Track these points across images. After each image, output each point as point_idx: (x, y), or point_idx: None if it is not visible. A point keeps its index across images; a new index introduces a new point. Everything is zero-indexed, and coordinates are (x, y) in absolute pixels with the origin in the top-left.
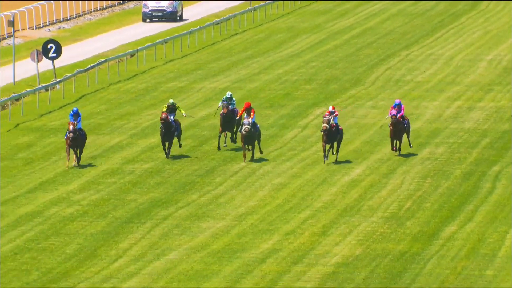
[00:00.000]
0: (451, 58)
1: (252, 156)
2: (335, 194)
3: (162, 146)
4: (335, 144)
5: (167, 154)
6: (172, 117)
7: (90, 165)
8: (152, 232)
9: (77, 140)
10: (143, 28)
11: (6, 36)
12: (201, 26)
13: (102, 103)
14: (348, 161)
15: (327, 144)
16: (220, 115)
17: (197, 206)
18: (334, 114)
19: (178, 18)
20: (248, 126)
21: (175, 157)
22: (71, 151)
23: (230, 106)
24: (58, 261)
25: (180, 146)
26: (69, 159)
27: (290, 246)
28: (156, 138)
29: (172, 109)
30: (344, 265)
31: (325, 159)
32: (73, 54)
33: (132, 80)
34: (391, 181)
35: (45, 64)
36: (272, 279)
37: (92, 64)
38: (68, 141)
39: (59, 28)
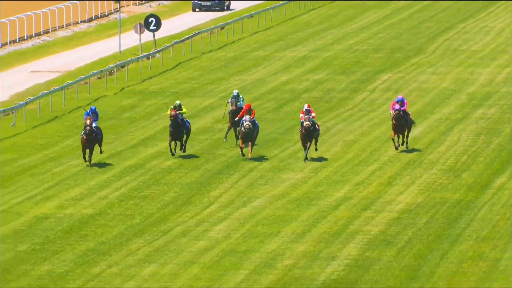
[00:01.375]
0: (502, 30)
1: (250, 154)
2: (399, 149)
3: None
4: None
5: (172, 153)
6: (181, 116)
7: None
8: (239, 182)
9: (93, 141)
10: (233, 4)
11: (112, 11)
12: (282, 2)
13: (196, 70)
14: (411, 121)
15: (304, 143)
16: (229, 112)
17: (278, 160)
18: (311, 114)
19: (225, 8)
20: (249, 123)
21: (257, 120)
22: (87, 151)
23: (238, 103)
24: (157, 207)
25: (182, 149)
26: (85, 160)
27: (360, 195)
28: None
29: (178, 109)
30: (407, 211)
31: (306, 160)
32: (171, 27)
33: (222, 49)
34: (449, 138)
35: (147, 36)
36: (344, 223)
37: (187, 36)
38: (84, 140)
39: (159, 4)
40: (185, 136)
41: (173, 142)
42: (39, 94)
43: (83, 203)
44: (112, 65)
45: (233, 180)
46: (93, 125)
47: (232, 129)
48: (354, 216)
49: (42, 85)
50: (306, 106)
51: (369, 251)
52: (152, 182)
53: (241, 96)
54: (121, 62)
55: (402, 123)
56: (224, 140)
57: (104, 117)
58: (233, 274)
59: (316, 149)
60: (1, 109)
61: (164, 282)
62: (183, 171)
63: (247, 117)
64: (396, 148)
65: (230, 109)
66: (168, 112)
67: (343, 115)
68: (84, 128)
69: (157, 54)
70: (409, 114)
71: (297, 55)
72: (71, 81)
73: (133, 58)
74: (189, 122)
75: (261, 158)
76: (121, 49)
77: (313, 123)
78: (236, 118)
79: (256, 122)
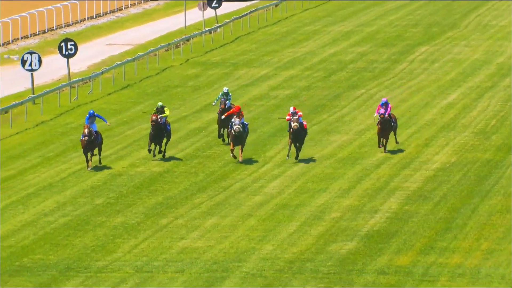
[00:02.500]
0: None
1: (241, 155)
2: (435, 114)
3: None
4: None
5: (154, 155)
6: (163, 120)
7: (243, 91)
8: (246, 180)
9: (92, 144)
10: None
11: None
12: None
13: (253, 43)
14: (446, 88)
15: (293, 143)
16: (218, 112)
17: (326, 123)
18: (297, 115)
19: None
20: (239, 126)
21: (307, 88)
22: (89, 154)
23: (227, 102)
24: (219, 165)
25: (161, 152)
26: (88, 165)
27: (400, 155)
28: (296, 69)
29: (160, 111)
30: (442, 169)
31: (288, 157)
32: (231, 4)
33: (276, 25)
34: (480, 104)
35: (209, 13)
36: (385, 180)
37: (245, 12)
38: (83, 144)
39: None
40: (165, 139)
41: (152, 145)
42: (114, 65)
43: (153, 162)
44: (178, 38)
45: (286, 142)
46: (94, 127)
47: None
48: (394, 174)
49: (116, 57)
50: (292, 109)
51: (407, 205)
52: (214, 143)
53: (230, 94)
54: (186, 36)
55: (387, 127)
56: (221, 139)
57: (171, 85)
58: (286, 226)
59: (298, 154)
60: (80, 78)
61: (224, 232)
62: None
63: (236, 120)
64: (381, 146)
65: (219, 108)
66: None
67: (384, 83)
68: (82, 134)
69: (218, 29)
70: (395, 118)
71: (343, 29)
72: (141, 53)
73: (197, 32)
74: (169, 126)
75: (311, 123)
76: (186, 24)
77: (301, 123)
78: (223, 117)
79: (246, 123)
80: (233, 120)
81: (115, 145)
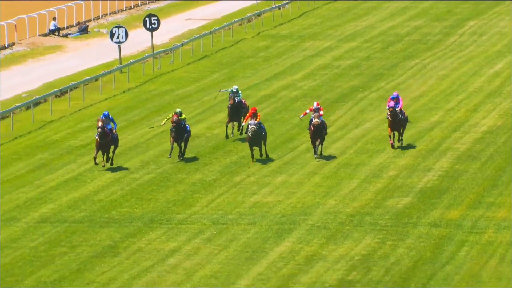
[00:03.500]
0: None
1: (261, 154)
2: (483, 82)
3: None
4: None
5: (170, 153)
6: (183, 122)
7: (309, 61)
8: (352, 109)
9: (108, 145)
10: None
11: None
12: None
13: (318, 18)
14: (493, 59)
15: (314, 141)
16: (228, 106)
17: (384, 90)
18: (319, 111)
19: None
20: (255, 126)
21: (367, 58)
22: (100, 154)
23: (237, 98)
24: (286, 129)
25: (181, 155)
26: (96, 163)
27: (450, 119)
28: (357, 41)
29: (179, 115)
30: (489, 132)
31: (316, 155)
32: None
33: (339, 1)
34: None
35: None
36: (438, 142)
37: None
38: (98, 142)
39: None
40: (185, 141)
41: (175, 144)
42: (192, 37)
43: (228, 125)
44: (250, 14)
45: (347, 107)
46: (108, 127)
47: (230, 124)
48: (445, 136)
49: (194, 30)
50: (315, 104)
51: (458, 164)
52: (282, 109)
53: (240, 92)
54: (257, 11)
55: (397, 120)
56: (232, 135)
57: (244, 56)
58: (347, 183)
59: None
60: (162, 49)
61: (292, 188)
62: (307, 99)
63: (252, 121)
64: (392, 146)
65: (228, 103)
66: (169, 116)
67: (437, 54)
68: (97, 130)
69: (286, 5)
70: (404, 112)
71: (400, 5)
72: (217, 27)
73: (267, 8)
74: (189, 127)
75: (370, 90)
76: (258, 1)
77: (322, 121)
78: (243, 123)
79: (263, 125)
80: (249, 122)
81: (193, 110)
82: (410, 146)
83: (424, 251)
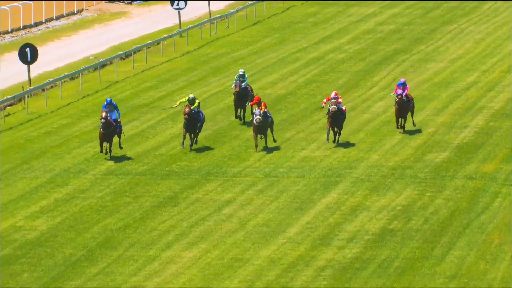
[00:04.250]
0: None
1: (266, 145)
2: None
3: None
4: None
5: (183, 145)
6: (196, 110)
7: (354, 26)
8: (394, 70)
9: (111, 134)
10: None
11: None
12: None
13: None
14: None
15: (332, 128)
16: (234, 93)
17: (424, 53)
18: (338, 99)
19: None
20: (260, 117)
21: (408, 23)
22: (105, 145)
23: (243, 84)
24: (333, 89)
25: (194, 143)
26: (102, 151)
27: (485, 80)
28: (398, 8)
29: (191, 102)
30: None
31: (327, 142)
32: None
33: None
34: None
35: None
36: (473, 101)
37: None
38: (101, 133)
39: None
40: (197, 130)
41: (187, 134)
42: (247, 4)
43: (279, 85)
44: None
45: (390, 69)
46: (112, 117)
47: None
48: (481, 95)
49: None
50: (333, 94)
51: (492, 121)
52: (329, 70)
53: (246, 76)
54: None
55: (405, 107)
56: (238, 119)
57: (294, 21)
58: (390, 139)
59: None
60: (218, 15)
61: (338, 144)
62: (352, 61)
63: (257, 111)
64: (398, 128)
65: (234, 91)
66: (183, 100)
67: (474, 19)
68: (100, 121)
69: None
70: (411, 97)
71: None
72: None
73: None
74: (203, 114)
75: (411, 53)
76: None
77: (339, 108)
78: (253, 110)
79: (269, 114)
80: (253, 111)
81: (247, 71)
82: (448, 105)
83: (461, 202)
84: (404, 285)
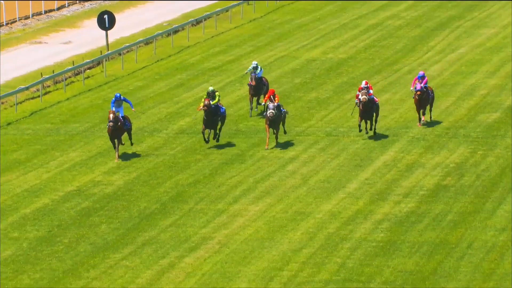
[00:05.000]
0: None
1: (276, 141)
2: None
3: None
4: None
5: (206, 140)
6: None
7: (393, 7)
8: (449, 36)
9: (119, 131)
10: None
11: None
12: None
13: None
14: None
15: (363, 120)
16: (248, 85)
17: (477, 20)
18: (368, 89)
19: None
20: (273, 111)
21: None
22: (116, 142)
23: (258, 73)
24: (391, 53)
25: (216, 137)
26: (116, 155)
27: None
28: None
29: (212, 96)
30: None
31: (360, 131)
32: None
33: None
34: None
35: None
36: (490, 95)
37: None
38: (109, 131)
39: None
40: (219, 124)
41: (207, 130)
42: None
43: (340, 50)
44: None
45: (445, 34)
46: (120, 114)
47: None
48: (503, 85)
49: None
50: (363, 83)
51: None
52: (388, 36)
53: (259, 66)
54: None
55: (424, 97)
56: (251, 110)
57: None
58: (444, 100)
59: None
60: None
61: (395, 105)
62: (409, 28)
63: (270, 105)
64: (420, 121)
65: (249, 83)
66: (202, 102)
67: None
68: (108, 119)
69: None
70: (430, 89)
71: None
72: None
73: None
74: (224, 109)
75: (465, 19)
76: None
77: (371, 99)
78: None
79: (282, 107)
80: (267, 103)
81: (310, 37)
82: (499, 68)
83: (511, 160)
84: (457, 237)
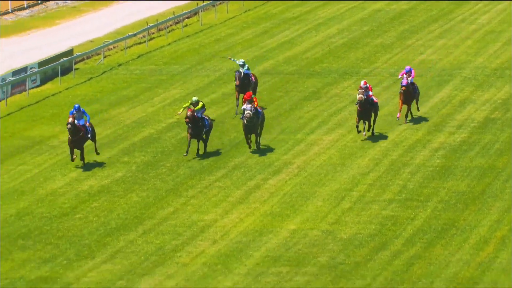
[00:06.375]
0: None
1: (258, 144)
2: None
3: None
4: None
5: (189, 147)
6: (199, 114)
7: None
8: (465, 14)
9: (80, 141)
10: None
11: None
12: None
13: None
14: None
15: (361, 120)
16: (236, 86)
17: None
18: (368, 91)
19: None
20: (250, 112)
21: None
22: (75, 151)
23: (244, 71)
24: (446, 4)
25: (203, 149)
26: (72, 160)
27: None
28: None
29: (194, 105)
30: None
31: (358, 132)
32: None
33: None
34: None
35: None
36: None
37: None
38: (69, 140)
39: None
40: (204, 135)
41: (195, 140)
42: None
43: (401, 2)
44: None
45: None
46: (81, 122)
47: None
48: None
49: None
50: (362, 83)
51: None
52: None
53: (246, 65)
54: None
55: (410, 91)
56: (237, 107)
57: None
58: (493, 45)
59: (373, 129)
60: None
61: (450, 49)
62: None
63: (248, 106)
64: (399, 119)
65: (235, 83)
66: (183, 110)
67: None
68: (66, 126)
69: None
70: (416, 86)
71: None
72: None
73: None
74: (207, 120)
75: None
76: None
77: (368, 100)
78: (243, 106)
79: (260, 110)
80: (244, 106)
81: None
82: None
83: None
84: (503, 163)
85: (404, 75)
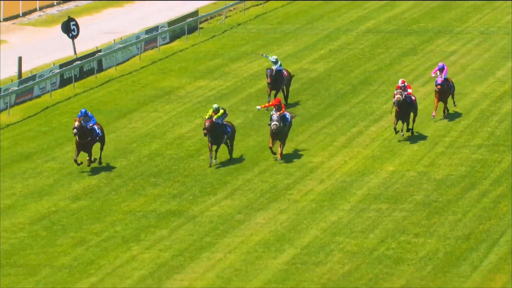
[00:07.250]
0: None
1: (281, 153)
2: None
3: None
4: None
5: (212, 158)
6: (220, 120)
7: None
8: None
9: (88, 144)
10: None
11: None
12: None
13: None
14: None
15: (399, 121)
16: (267, 83)
17: None
18: (407, 89)
19: None
20: (277, 123)
21: None
22: (81, 153)
23: (277, 67)
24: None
25: (229, 155)
26: (77, 163)
27: None
28: None
29: (215, 112)
30: None
31: (396, 133)
32: None
33: None
34: None
35: None
36: None
37: None
38: (76, 142)
39: None
40: (227, 140)
41: (215, 146)
42: None
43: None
44: None
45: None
46: (89, 125)
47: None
48: None
49: None
50: (400, 82)
51: None
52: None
53: (279, 62)
54: None
55: (445, 89)
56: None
57: None
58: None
59: (412, 129)
60: None
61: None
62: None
63: (274, 116)
64: (433, 117)
65: (267, 80)
66: (209, 114)
67: None
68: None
69: None
70: (451, 82)
71: None
72: None
73: None
74: (229, 126)
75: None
76: None
77: (406, 98)
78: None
79: (287, 116)
80: (272, 113)
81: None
82: None
83: None
84: None
85: (438, 72)
